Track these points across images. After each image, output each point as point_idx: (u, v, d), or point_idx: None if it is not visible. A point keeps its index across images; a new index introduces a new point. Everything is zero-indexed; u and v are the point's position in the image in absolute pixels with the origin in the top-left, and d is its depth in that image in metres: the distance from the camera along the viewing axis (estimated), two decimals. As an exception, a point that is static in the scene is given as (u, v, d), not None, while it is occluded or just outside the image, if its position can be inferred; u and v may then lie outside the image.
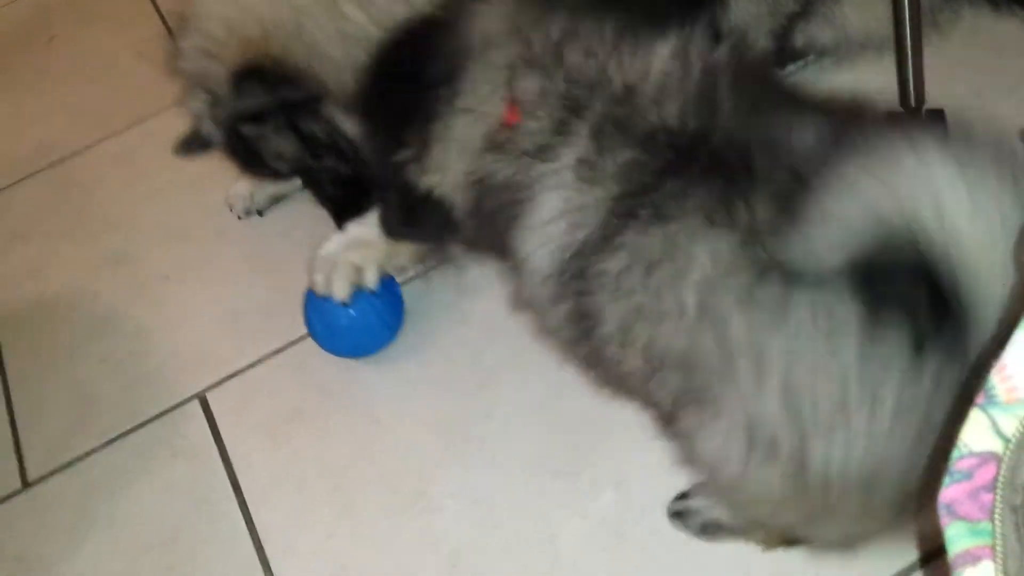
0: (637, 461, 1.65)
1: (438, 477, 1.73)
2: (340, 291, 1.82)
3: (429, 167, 1.47)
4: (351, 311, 1.84)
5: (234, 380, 1.99)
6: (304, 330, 1.97)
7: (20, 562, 1.82)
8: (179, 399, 1.99)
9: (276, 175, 2.05)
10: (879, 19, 1.96)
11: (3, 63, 3.03)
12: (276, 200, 2.27)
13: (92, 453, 1.95)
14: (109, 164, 2.57)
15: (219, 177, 2.26)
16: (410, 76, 1.46)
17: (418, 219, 1.54)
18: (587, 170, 1.25)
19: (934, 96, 1.91)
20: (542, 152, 1.30)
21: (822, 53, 2.12)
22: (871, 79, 2.06)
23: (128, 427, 1.97)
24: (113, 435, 1.97)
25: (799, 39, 2.09)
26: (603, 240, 1.22)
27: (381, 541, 1.67)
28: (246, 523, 1.76)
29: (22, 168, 2.63)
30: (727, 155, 1.15)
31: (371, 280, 1.85)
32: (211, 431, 1.92)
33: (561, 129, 1.29)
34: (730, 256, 1.10)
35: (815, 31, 2.07)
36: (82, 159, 2.61)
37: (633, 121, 1.24)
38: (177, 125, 2.47)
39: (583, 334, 1.31)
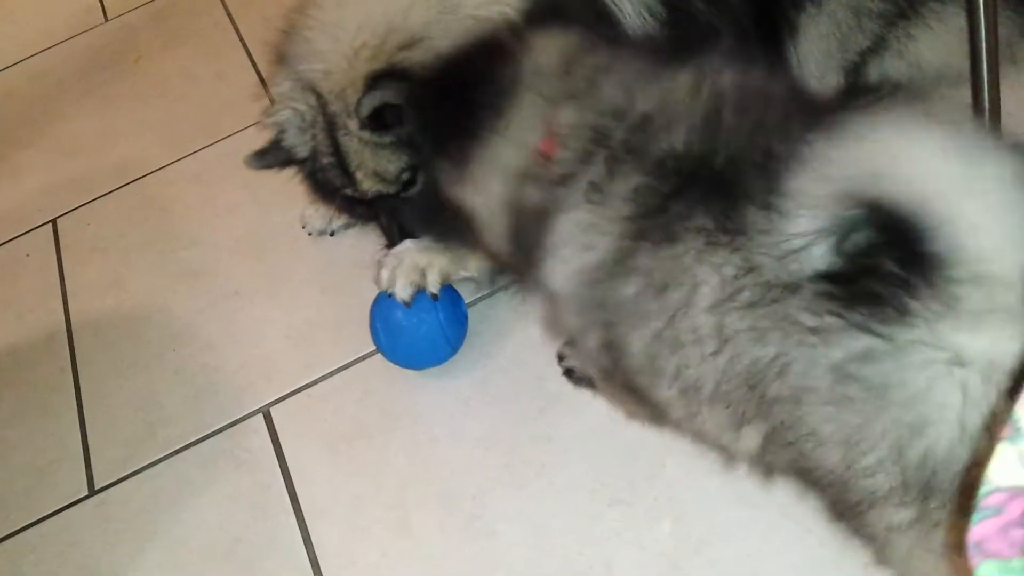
0: (695, 492, 1.63)
1: (495, 499, 1.73)
2: (402, 289, 1.85)
3: (464, 183, 1.50)
4: (413, 316, 1.86)
5: (297, 396, 2.01)
6: (367, 348, 2.00)
7: (82, 568, 1.85)
8: (244, 413, 2.02)
9: (351, 204, 2.05)
10: (954, 53, 1.92)
11: (92, 81, 3.13)
12: (350, 225, 2.30)
13: (158, 463, 1.99)
14: (187, 182, 2.63)
15: (291, 197, 2.30)
16: (465, 92, 1.49)
17: (436, 221, 1.60)
18: (596, 193, 1.28)
19: (1010, 132, 1.87)
20: (564, 180, 1.33)
21: (896, 88, 2.09)
22: (944, 115, 2.02)
23: (193, 438, 2.00)
24: (179, 446, 2.00)
25: (872, 74, 2.06)
26: (617, 264, 1.24)
27: (435, 561, 1.68)
28: (303, 538, 1.77)
29: (105, 184, 2.70)
30: (728, 176, 1.16)
31: (433, 283, 1.87)
32: (273, 445, 1.94)
33: (584, 158, 1.32)
34: (733, 274, 1.11)
35: (888, 66, 2.04)
36: (161, 176, 2.68)
37: (646, 147, 1.26)
38: (253, 145, 2.52)
39: (613, 365, 1.32)
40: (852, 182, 0.97)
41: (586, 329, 1.35)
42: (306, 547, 1.76)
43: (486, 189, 1.47)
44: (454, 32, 1.74)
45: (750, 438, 1.20)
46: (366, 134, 1.83)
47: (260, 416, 2.00)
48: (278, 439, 1.94)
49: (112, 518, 1.92)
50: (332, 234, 2.31)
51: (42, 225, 2.65)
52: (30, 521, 1.95)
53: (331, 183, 1.95)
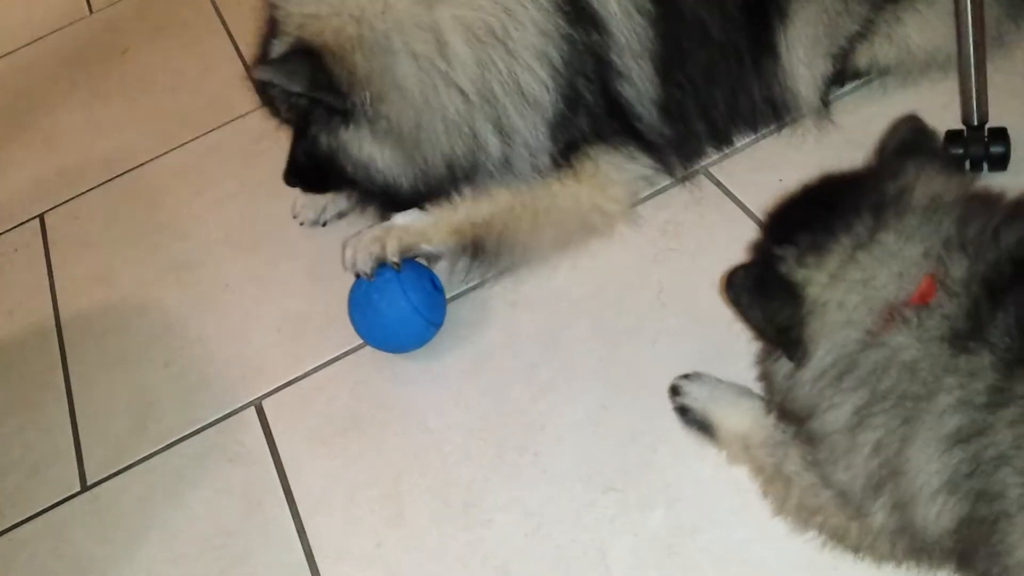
0: (689, 479, 1.63)
1: (488, 489, 1.73)
2: (363, 263, 1.88)
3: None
4: (380, 295, 1.88)
5: (290, 388, 2.01)
6: (358, 340, 2.00)
7: (76, 563, 1.85)
8: (236, 406, 2.01)
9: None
10: (943, 37, 1.93)
11: (78, 75, 3.11)
12: (343, 215, 2.30)
13: (150, 457, 1.98)
14: (176, 174, 2.62)
15: (281, 189, 2.29)
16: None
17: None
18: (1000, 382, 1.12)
19: (997, 114, 1.87)
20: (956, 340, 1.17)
21: (884, 72, 2.09)
22: (933, 97, 2.03)
23: (186, 432, 2.00)
24: (171, 440, 1.99)
25: (861, 60, 2.06)
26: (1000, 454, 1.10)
27: (430, 551, 1.68)
28: (297, 530, 1.77)
29: (92, 177, 2.69)
30: None
31: (391, 251, 1.88)
32: (266, 438, 1.94)
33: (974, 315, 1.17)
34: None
35: (877, 51, 2.05)
36: (150, 169, 2.67)
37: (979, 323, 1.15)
38: (242, 138, 2.53)
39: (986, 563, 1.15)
40: None
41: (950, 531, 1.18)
42: (300, 539, 1.76)
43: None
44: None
45: None
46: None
47: (252, 409, 1.99)
48: (271, 432, 1.94)
49: (105, 513, 1.91)
50: (324, 224, 2.30)
51: (30, 220, 2.64)
52: (23, 517, 1.95)
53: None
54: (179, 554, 1.81)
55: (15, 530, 1.94)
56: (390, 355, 1.98)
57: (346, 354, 2.02)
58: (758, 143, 2.12)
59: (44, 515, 1.94)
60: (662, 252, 1.99)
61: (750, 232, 1.92)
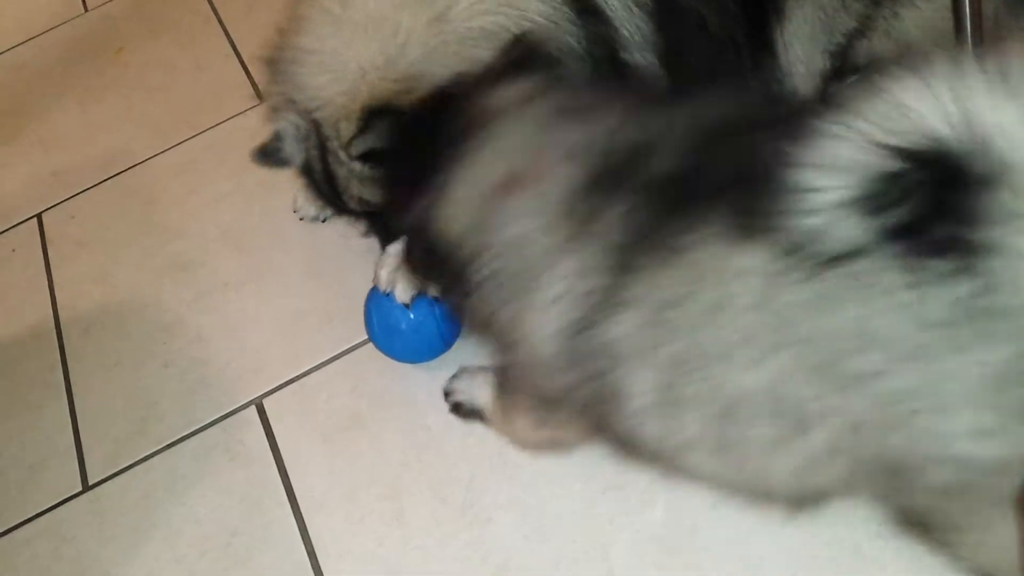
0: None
1: (488, 488, 1.73)
2: (402, 292, 1.85)
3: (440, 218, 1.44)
4: (411, 314, 1.85)
5: (290, 387, 2.01)
6: (358, 338, 2.00)
7: (78, 563, 1.86)
8: (236, 405, 2.02)
9: (341, 208, 2.03)
10: (942, 31, 1.93)
11: (73, 73, 3.10)
12: None
13: (151, 457, 1.98)
14: (172, 173, 2.62)
15: (279, 187, 2.30)
16: (440, 131, 1.48)
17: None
18: (577, 237, 1.21)
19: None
20: (538, 225, 1.28)
21: (885, 67, 2.09)
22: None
23: (187, 432, 2.00)
24: (172, 439, 2.00)
25: (860, 56, 2.07)
26: (608, 302, 1.16)
27: (431, 550, 1.69)
28: (299, 528, 1.78)
29: (89, 177, 2.69)
30: (731, 178, 1.10)
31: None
32: (267, 437, 1.94)
33: (559, 199, 1.26)
34: (776, 258, 1.02)
35: (876, 46, 2.05)
36: (146, 168, 2.67)
37: (632, 174, 1.21)
38: (239, 135, 2.52)
39: (613, 418, 1.23)
40: (892, 132, 0.93)
41: (574, 388, 1.26)
42: (302, 538, 1.77)
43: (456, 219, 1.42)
44: (451, 66, 1.73)
45: (820, 443, 1.07)
46: (356, 166, 1.83)
47: (253, 408, 2.00)
48: (271, 431, 1.95)
49: (106, 513, 1.92)
50: (324, 220, 2.30)
51: (27, 220, 2.64)
52: (24, 518, 1.95)
53: (324, 193, 1.97)
54: (181, 554, 1.81)
55: (16, 531, 1.94)
56: (391, 354, 1.99)
57: (346, 352, 2.03)
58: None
59: (45, 515, 1.95)
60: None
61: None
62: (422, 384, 1.92)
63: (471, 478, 1.76)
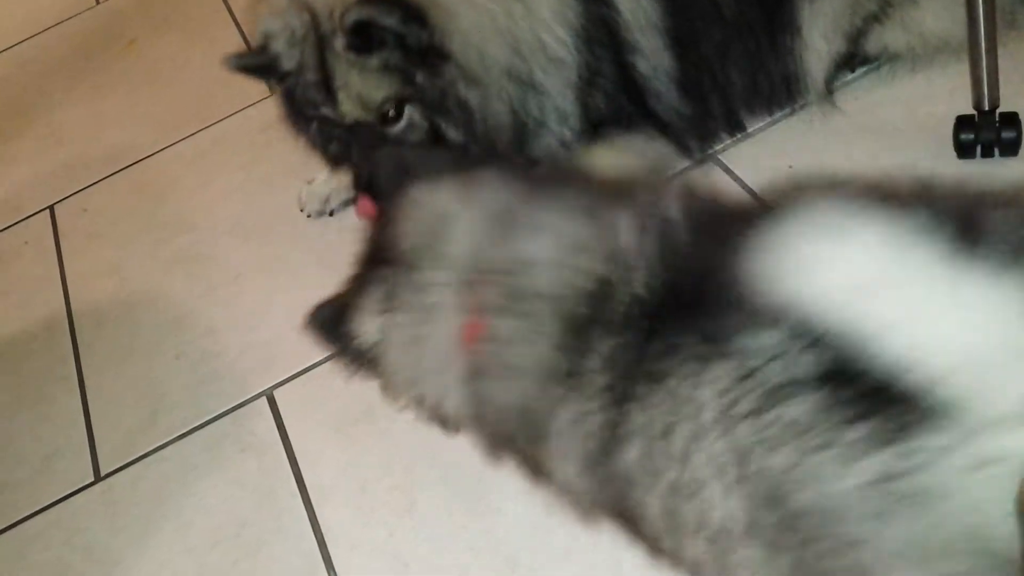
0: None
1: (500, 478, 1.71)
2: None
3: None
4: None
5: (301, 378, 2.01)
6: (370, 330, 2.00)
7: (89, 553, 1.86)
8: (247, 396, 2.02)
9: (317, 134, 2.02)
10: (957, 23, 1.91)
11: (84, 67, 3.11)
12: (348, 203, 2.29)
13: (163, 448, 1.99)
14: (183, 165, 2.63)
15: (290, 178, 2.29)
16: None
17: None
18: (570, 377, 1.19)
19: (1008, 98, 1.86)
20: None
21: (894, 58, 2.08)
22: (943, 82, 2.02)
23: (198, 423, 2.01)
24: (183, 430, 2.00)
25: (872, 44, 2.05)
26: (613, 436, 1.15)
27: (442, 541, 1.68)
28: (310, 520, 1.78)
29: (100, 170, 2.70)
30: (699, 301, 1.10)
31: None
32: (278, 428, 1.94)
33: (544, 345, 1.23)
34: (729, 384, 1.03)
35: (888, 36, 2.03)
36: (157, 160, 2.67)
37: (610, 309, 1.18)
38: (249, 128, 2.52)
39: (637, 536, 1.25)
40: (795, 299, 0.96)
41: (604, 510, 1.28)
42: (313, 529, 1.76)
43: None
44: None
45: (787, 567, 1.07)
46: (352, 55, 1.83)
47: (264, 399, 2.00)
48: (282, 422, 1.95)
49: (118, 504, 1.92)
50: (331, 214, 2.30)
51: (39, 212, 2.65)
52: (36, 508, 1.96)
53: (311, 101, 1.92)
54: (192, 544, 1.81)
55: (29, 521, 1.95)
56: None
57: (356, 344, 2.02)
58: (767, 130, 2.11)
59: (57, 506, 1.95)
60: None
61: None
62: (433, 375, 1.92)
63: (482, 469, 1.74)
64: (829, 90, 2.06)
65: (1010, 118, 1.85)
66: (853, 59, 2.08)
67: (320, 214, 2.30)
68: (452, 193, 1.42)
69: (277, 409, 1.97)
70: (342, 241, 2.15)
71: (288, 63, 1.90)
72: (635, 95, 1.97)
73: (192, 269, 2.33)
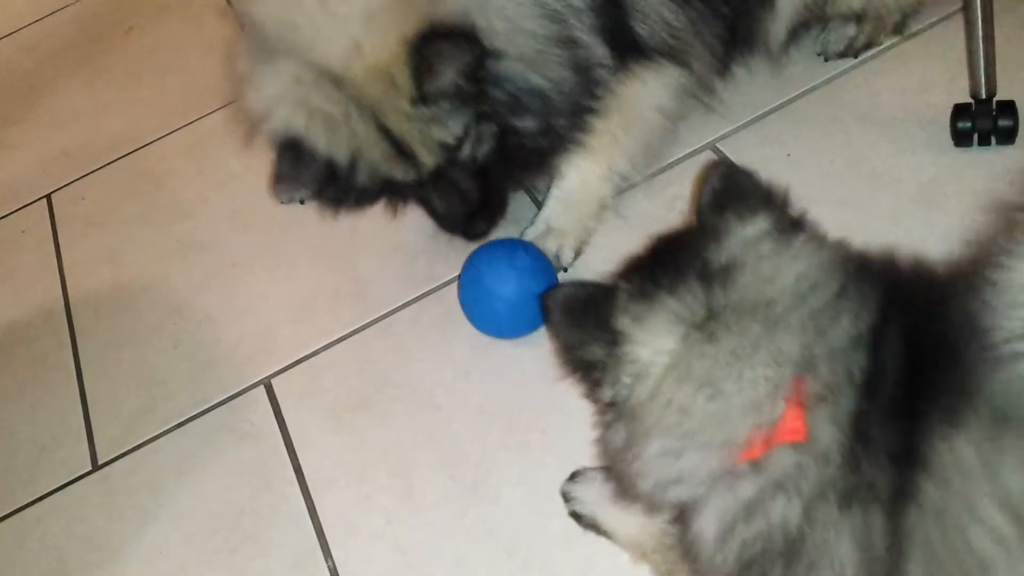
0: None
1: (497, 466, 1.73)
2: (566, 258, 1.97)
3: None
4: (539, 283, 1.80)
5: (299, 367, 2.01)
6: (367, 318, 2.01)
7: (87, 541, 1.86)
8: (245, 385, 2.02)
9: (389, 198, 1.90)
10: None
11: (82, 54, 3.10)
12: None
13: (160, 436, 1.99)
14: (181, 154, 2.62)
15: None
16: None
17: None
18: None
19: (1005, 86, 1.86)
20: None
21: (854, 19, 2.10)
22: (941, 70, 2.02)
23: (196, 412, 2.01)
24: (181, 419, 2.00)
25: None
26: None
27: (440, 527, 1.69)
28: (307, 507, 1.78)
29: (98, 157, 2.69)
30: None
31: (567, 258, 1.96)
32: (275, 417, 1.94)
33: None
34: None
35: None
36: (155, 149, 2.66)
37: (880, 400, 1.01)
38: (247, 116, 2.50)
39: None
40: None
41: None
42: (311, 517, 1.77)
43: None
44: None
45: None
46: (425, 109, 1.65)
47: (262, 388, 2.00)
48: (280, 410, 1.95)
49: (116, 492, 1.93)
50: (302, 202, 2.30)
51: (37, 200, 2.64)
52: (34, 497, 1.96)
53: (380, 176, 1.74)
54: (190, 532, 1.82)
55: (27, 509, 1.95)
56: (398, 332, 2.00)
57: (355, 332, 2.03)
58: (765, 119, 2.11)
59: (55, 494, 1.96)
60: (669, 227, 1.97)
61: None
62: (431, 364, 1.92)
63: (480, 456, 1.75)
64: (786, 46, 2.10)
65: (1007, 106, 1.85)
66: (814, 22, 2.09)
67: (291, 201, 2.32)
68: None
69: (275, 397, 1.97)
70: (340, 230, 2.17)
71: (340, 152, 1.68)
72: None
73: (190, 257, 2.33)
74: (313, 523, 1.76)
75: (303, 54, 1.62)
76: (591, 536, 1.60)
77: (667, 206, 2.01)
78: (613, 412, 1.17)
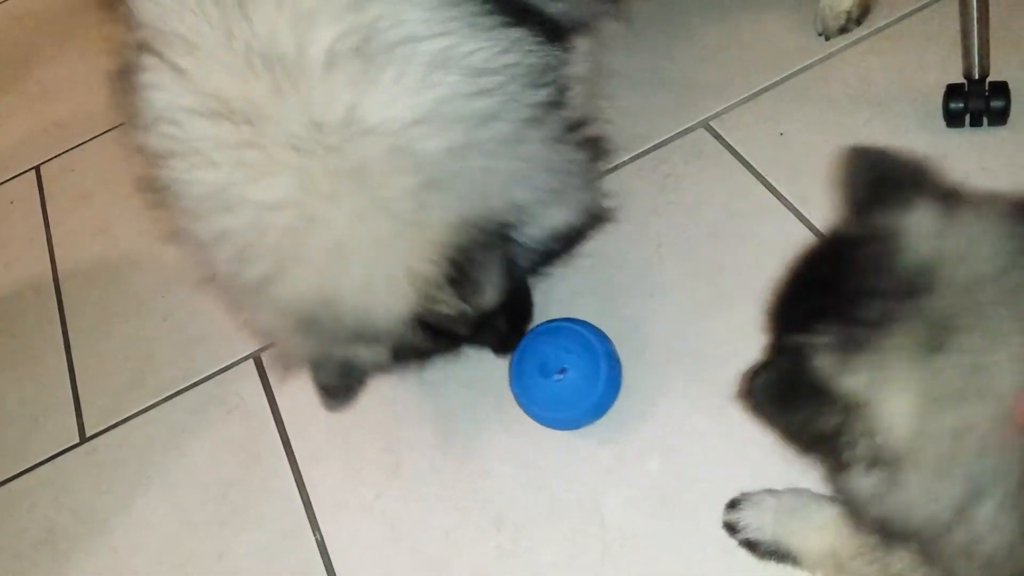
0: (685, 431, 1.64)
1: (486, 440, 1.73)
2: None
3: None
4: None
5: (288, 341, 2.01)
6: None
7: (77, 514, 1.86)
8: (235, 358, 2.02)
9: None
10: None
11: (74, 23, 3.07)
12: None
13: (149, 409, 1.99)
14: (172, 127, 2.60)
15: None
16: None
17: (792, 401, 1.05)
18: None
19: (998, 67, 1.86)
20: None
21: None
22: (935, 50, 2.02)
23: (185, 385, 2.01)
24: (170, 392, 2.00)
25: None
26: None
27: (428, 502, 1.69)
28: (296, 480, 1.78)
29: (89, 129, 2.67)
30: None
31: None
32: (265, 391, 1.94)
33: None
34: None
35: None
36: (146, 121, 2.65)
37: None
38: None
39: None
40: None
41: None
42: (299, 490, 1.77)
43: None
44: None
45: None
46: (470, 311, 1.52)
47: (251, 362, 2.00)
48: (269, 384, 1.95)
49: (104, 465, 1.93)
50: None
51: (25, 172, 2.63)
52: (23, 468, 1.96)
53: (453, 335, 1.59)
54: (179, 505, 1.82)
55: (15, 480, 1.95)
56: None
57: (344, 307, 2.02)
58: (757, 97, 2.10)
59: (44, 466, 1.96)
60: (661, 205, 1.98)
61: (750, 185, 1.93)
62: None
63: (469, 431, 1.76)
64: None
65: (999, 87, 1.85)
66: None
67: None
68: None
69: (264, 371, 1.97)
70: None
71: (383, 358, 1.60)
72: None
73: (180, 231, 2.32)
74: (301, 496, 1.76)
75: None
76: (577, 510, 1.60)
77: (659, 184, 2.01)
78: (860, 465, 1.02)
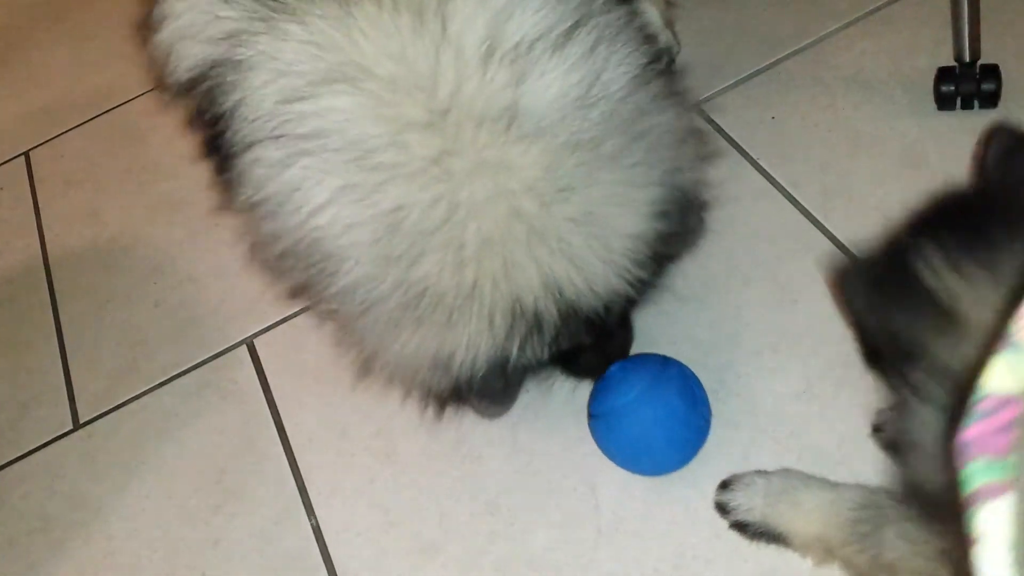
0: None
1: (479, 425, 1.74)
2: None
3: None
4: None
5: (282, 327, 2.01)
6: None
7: (70, 500, 1.86)
8: (228, 344, 2.02)
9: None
10: None
11: (64, 7, 3.06)
12: None
13: (142, 395, 1.99)
14: (163, 112, 2.58)
15: (269, 125, 2.27)
16: None
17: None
18: None
19: (989, 50, 1.86)
20: None
21: None
22: (927, 33, 2.02)
23: (178, 370, 2.00)
24: (163, 378, 2.00)
25: None
26: None
27: (422, 486, 1.70)
28: (290, 466, 1.79)
29: (79, 114, 2.66)
30: None
31: None
32: (258, 376, 1.94)
33: None
34: None
35: None
36: (137, 106, 2.64)
37: None
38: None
39: None
40: None
41: None
42: (294, 475, 1.77)
43: None
44: None
45: None
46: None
47: (244, 347, 2.00)
48: (263, 370, 1.95)
49: (98, 451, 1.92)
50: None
51: (15, 158, 2.62)
52: (16, 456, 1.96)
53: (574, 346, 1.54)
54: (172, 491, 1.82)
55: (9, 467, 1.95)
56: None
57: (337, 292, 2.02)
58: (749, 80, 2.10)
59: (37, 453, 1.95)
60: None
61: (742, 169, 1.93)
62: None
63: (462, 415, 1.76)
64: None
65: (990, 70, 1.86)
66: None
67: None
68: None
69: (258, 357, 1.97)
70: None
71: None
72: None
73: (172, 216, 2.31)
74: (296, 481, 1.77)
75: None
76: (571, 494, 1.61)
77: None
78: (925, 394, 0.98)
